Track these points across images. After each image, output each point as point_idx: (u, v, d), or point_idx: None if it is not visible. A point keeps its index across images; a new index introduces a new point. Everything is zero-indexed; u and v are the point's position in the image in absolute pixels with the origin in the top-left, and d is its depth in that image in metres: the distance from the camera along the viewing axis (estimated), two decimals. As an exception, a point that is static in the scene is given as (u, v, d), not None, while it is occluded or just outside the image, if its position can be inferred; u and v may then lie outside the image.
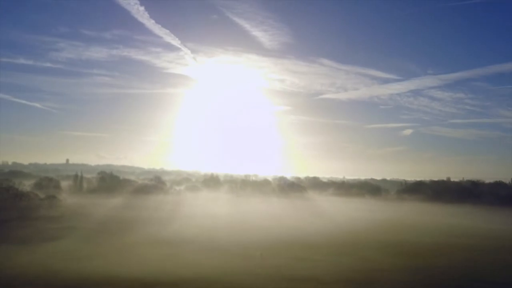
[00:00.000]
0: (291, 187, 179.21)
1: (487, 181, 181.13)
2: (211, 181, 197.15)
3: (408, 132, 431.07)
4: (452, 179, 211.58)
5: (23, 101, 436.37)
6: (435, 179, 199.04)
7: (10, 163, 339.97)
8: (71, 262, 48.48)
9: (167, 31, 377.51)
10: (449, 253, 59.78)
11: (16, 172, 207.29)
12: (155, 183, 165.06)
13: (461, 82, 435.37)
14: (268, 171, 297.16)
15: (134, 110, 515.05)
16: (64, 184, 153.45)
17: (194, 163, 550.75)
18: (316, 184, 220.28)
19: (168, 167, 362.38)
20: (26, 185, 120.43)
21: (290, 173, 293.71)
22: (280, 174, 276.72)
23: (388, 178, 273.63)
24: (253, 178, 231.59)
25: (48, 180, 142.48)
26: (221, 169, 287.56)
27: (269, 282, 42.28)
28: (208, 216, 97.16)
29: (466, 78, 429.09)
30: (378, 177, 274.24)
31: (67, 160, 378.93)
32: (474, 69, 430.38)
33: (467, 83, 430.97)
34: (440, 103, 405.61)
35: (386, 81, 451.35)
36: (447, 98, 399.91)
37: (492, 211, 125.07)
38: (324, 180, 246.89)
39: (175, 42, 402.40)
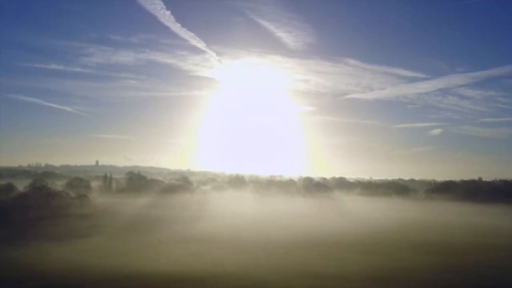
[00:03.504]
0: (317, 187, 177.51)
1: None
2: (237, 181, 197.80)
3: (437, 131, 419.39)
4: (484, 179, 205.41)
5: (54, 105, 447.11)
6: (466, 179, 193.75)
7: (42, 164, 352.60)
8: (101, 258, 49.78)
9: (193, 34, 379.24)
10: (479, 253, 58.17)
11: (48, 173, 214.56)
12: (181, 183, 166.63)
13: (492, 80, 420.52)
14: (293, 171, 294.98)
15: (161, 113, 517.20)
16: (94, 184, 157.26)
17: (220, 163, 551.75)
18: (343, 184, 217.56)
19: (195, 168, 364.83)
20: (58, 185, 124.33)
21: (315, 174, 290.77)
22: (305, 174, 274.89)
23: (416, 178, 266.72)
24: (278, 179, 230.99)
25: (78, 181, 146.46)
26: (246, 170, 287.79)
27: (294, 279, 42.25)
28: (233, 215, 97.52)
29: (496, 75, 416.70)
30: (406, 177, 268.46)
31: (97, 162, 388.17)
32: (504, 66, 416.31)
33: (498, 80, 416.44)
34: (470, 102, 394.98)
35: (413, 80, 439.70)
36: (477, 96, 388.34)
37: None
38: (351, 180, 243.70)
39: (201, 45, 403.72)
